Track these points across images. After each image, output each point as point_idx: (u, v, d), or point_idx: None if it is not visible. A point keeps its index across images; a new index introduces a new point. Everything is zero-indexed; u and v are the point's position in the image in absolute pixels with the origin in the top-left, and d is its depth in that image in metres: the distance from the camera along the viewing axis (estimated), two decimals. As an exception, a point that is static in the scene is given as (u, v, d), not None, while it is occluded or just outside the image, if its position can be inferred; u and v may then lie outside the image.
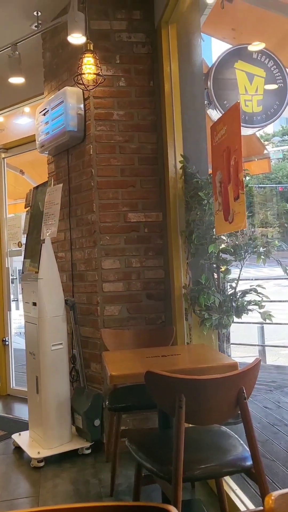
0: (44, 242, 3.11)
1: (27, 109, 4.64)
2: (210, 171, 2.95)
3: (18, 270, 4.57)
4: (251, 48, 3.48)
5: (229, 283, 2.96)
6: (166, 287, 3.18)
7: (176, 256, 3.06)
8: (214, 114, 3.69)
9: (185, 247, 3.03)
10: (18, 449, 3.22)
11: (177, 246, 3.07)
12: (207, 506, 2.38)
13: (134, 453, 1.89)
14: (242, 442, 1.89)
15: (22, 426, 3.59)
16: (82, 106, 3.24)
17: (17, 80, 3.50)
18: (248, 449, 1.79)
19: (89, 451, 3.06)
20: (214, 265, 2.90)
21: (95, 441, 3.07)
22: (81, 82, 2.80)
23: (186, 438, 1.70)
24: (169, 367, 2.01)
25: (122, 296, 3.16)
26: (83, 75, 2.74)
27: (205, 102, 3.55)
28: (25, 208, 3.63)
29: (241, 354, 5.73)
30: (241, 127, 2.22)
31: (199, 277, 2.91)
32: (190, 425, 1.94)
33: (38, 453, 2.95)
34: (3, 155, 4.73)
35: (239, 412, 1.80)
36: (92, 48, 2.84)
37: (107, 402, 2.61)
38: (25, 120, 4.91)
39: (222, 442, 1.96)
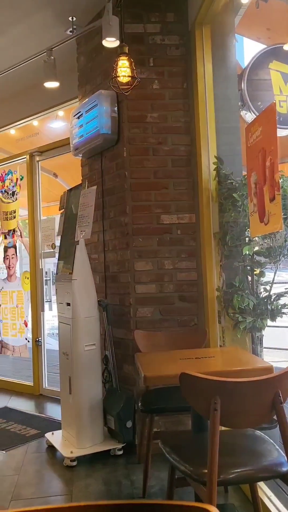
0: (78, 244, 3.15)
1: (61, 112, 4.71)
2: (244, 172, 2.93)
3: (52, 271, 4.63)
4: (286, 47, 3.44)
5: (263, 286, 2.93)
6: (199, 289, 3.17)
7: (209, 258, 3.04)
8: (248, 116, 3.66)
9: (219, 249, 3.01)
10: (51, 448, 3.26)
11: (210, 248, 3.05)
12: (240, 511, 2.35)
13: (168, 454, 1.89)
14: (277, 447, 1.86)
15: (54, 425, 3.63)
16: (116, 108, 3.27)
17: (52, 84, 3.57)
18: (284, 454, 1.76)
19: (121, 452, 3.07)
20: (248, 268, 2.86)
21: (127, 442, 3.08)
22: (116, 85, 2.82)
23: (220, 442, 1.69)
24: (203, 369, 2.00)
25: (154, 298, 3.17)
26: (118, 78, 2.76)
27: (239, 103, 3.53)
28: (59, 210, 3.68)
29: (274, 359, 5.64)
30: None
31: (233, 280, 2.88)
32: (224, 429, 1.92)
33: (71, 452, 2.98)
34: (37, 158, 4.82)
35: (275, 416, 1.77)
36: (127, 51, 2.86)
37: (139, 404, 2.62)
38: (59, 124, 4.99)
39: (257, 446, 1.93)
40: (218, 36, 3.18)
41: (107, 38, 2.95)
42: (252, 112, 3.59)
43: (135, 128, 3.21)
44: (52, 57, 3.49)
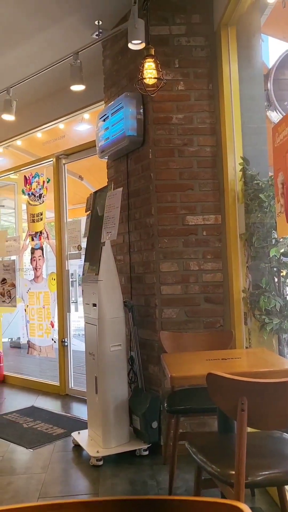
0: (104, 245, 3.18)
1: (86, 115, 4.76)
2: (270, 173, 2.91)
3: (78, 273, 4.68)
4: (313, 46, 3.39)
5: (290, 287, 2.90)
6: (224, 291, 3.15)
7: (236, 259, 3.03)
8: (274, 116, 3.62)
9: (245, 250, 2.99)
10: (77, 447, 3.29)
11: (236, 249, 3.03)
12: (267, 514, 2.33)
13: (194, 455, 1.89)
14: (306, 450, 1.83)
15: (80, 425, 3.67)
16: (141, 110, 3.29)
17: (78, 87, 3.61)
18: (313, 457, 1.74)
19: (146, 452, 3.08)
20: (275, 269, 2.84)
21: (153, 443, 3.09)
22: (142, 87, 2.84)
23: (247, 443, 1.68)
24: (230, 370, 1.98)
25: (180, 299, 3.17)
26: (144, 80, 2.78)
27: (265, 103, 3.50)
28: (85, 212, 3.72)
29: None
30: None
31: (259, 281, 2.86)
32: (251, 430, 1.91)
33: (97, 452, 3.01)
34: (63, 161, 4.88)
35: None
36: (153, 53, 2.87)
37: (165, 404, 2.62)
38: (85, 127, 5.04)
39: (284, 449, 1.91)
40: (244, 36, 3.17)
41: (133, 41, 2.97)
42: (278, 112, 3.55)
43: (161, 129, 3.22)
44: (79, 61, 3.53)
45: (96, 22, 3.56)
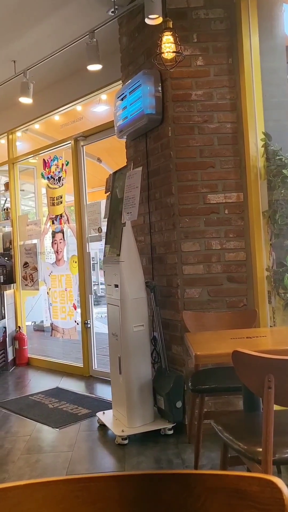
0: (124, 226, 3.16)
1: (104, 96, 4.71)
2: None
3: (98, 256, 4.68)
4: None
5: (315, 265, 2.84)
6: (248, 270, 3.11)
7: (258, 238, 2.98)
8: (297, 89, 3.52)
9: (268, 228, 2.94)
10: (102, 427, 3.33)
11: (259, 227, 2.98)
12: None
13: (220, 433, 1.88)
14: None
15: (105, 405, 3.71)
16: (159, 88, 3.22)
17: (95, 67, 3.56)
18: None
19: (171, 431, 3.10)
20: (299, 246, 2.78)
21: (177, 422, 3.10)
22: (161, 62, 2.77)
23: (274, 421, 1.66)
24: (256, 348, 1.96)
25: (202, 278, 3.14)
26: (162, 54, 2.72)
27: (287, 76, 3.39)
28: (105, 193, 3.70)
29: None
30: None
31: (283, 259, 2.82)
32: (277, 408, 1.89)
33: (122, 431, 3.04)
34: (82, 143, 4.85)
35: None
36: (171, 26, 2.80)
37: (189, 384, 2.62)
38: (102, 108, 4.99)
39: (312, 426, 1.89)
40: (265, 6, 3.07)
41: (150, 16, 2.90)
42: (301, 85, 3.44)
43: (180, 107, 3.16)
44: (95, 39, 3.48)
45: (112, -1, 3.48)
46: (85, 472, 2.70)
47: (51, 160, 5.12)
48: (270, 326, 2.92)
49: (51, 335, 5.35)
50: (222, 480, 0.81)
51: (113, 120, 3.81)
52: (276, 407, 1.71)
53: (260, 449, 1.66)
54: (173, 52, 2.72)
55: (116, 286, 3.18)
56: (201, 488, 0.80)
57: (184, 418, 3.12)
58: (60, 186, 5.03)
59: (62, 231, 5.08)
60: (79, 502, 0.82)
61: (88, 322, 4.81)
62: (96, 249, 4.94)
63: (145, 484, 0.84)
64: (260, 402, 2.06)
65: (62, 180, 4.99)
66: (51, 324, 5.26)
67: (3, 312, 5.26)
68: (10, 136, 5.77)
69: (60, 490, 0.83)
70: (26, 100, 4.16)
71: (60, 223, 5.07)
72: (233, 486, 0.78)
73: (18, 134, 5.78)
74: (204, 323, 2.89)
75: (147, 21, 2.95)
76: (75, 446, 3.05)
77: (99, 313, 6.43)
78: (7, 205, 5.96)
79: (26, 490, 0.82)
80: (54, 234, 5.15)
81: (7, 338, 5.28)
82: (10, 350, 5.34)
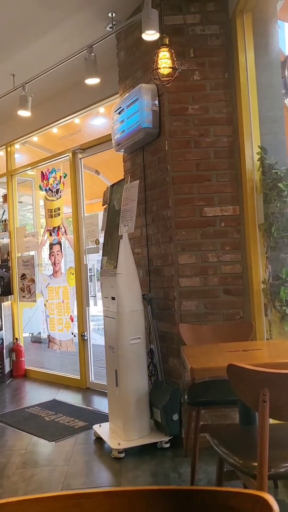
0: (121, 238, 3.17)
1: (101, 109, 4.75)
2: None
3: (96, 267, 4.69)
4: None
5: (311, 278, 2.85)
6: (244, 282, 3.12)
7: (255, 250, 2.99)
8: (292, 103, 3.56)
9: (264, 241, 2.96)
10: (99, 440, 3.31)
11: (255, 240, 3.00)
12: (291, 506, 2.31)
13: (216, 447, 1.87)
14: None
15: (101, 417, 3.69)
16: (156, 102, 3.26)
17: (93, 81, 3.60)
18: None
19: (167, 445, 3.08)
20: (295, 259, 2.80)
21: (173, 435, 3.08)
22: (157, 77, 2.81)
23: (269, 435, 1.66)
24: (251, 361, 1.96)
25: (199, 291, 3.15)
26: (159, 70, 2.75)
27: (283, 91, 3.44)
28: (102, 206, 3.72)
29: None
30: None
31: (279, 272, 2.83)
32: (273, 422, 1.88)
33: (119, 444, 3.02)
34: (80, 156, 4.88)
35: None
36: (167, 42, 2.84)
37: (186, 397, 2.61)
38: (100, 121, 5.03)
39: (308, 440, 1.88)
40: (260, 23, 3.12)
41: (147, 31, 2.94)
42: (296, 100, 3.49)
43: (176, 120, 3.19)
44: (93, 54, 3.52)
45: (110, 14, 3.54)
46: (81, 486, 2.68)
47: (49, 172, 5.15)
48: (267, 339, 2.92)
49: (48, 347, 5.33)
50: (215, 497, 0.81)
51: (110, 133, 3.84)
52: (272, 421, 1.71)
53: (256, 464, 1.66)
54: (170, 67, 2.76)
55: (113, 298, 3.18)
56: (193, 504, 0.80)
57: (181, 431, 3.10)
58: (58, 198, 5.05)
59: (59, 243, 5.09)
60: (71, 519, 0.82)
61: (85, 334, 4.80)
62: (94, 260, 4.94)
63: (137, 500, 0.84)
64: (256, 415, 2.05)
65: (60, 192, 5.01)
66: (48, 336, 5.25)
67: (0, 323, 5.25)
68: (9, 148, 5.81)
69: (53, 507, 0.83)
70: (24, 113, 4.19)
71: (58, 235, 5.08)
72: (225, 502, 0.78)
73: (17, 146, 5.82)
74: (201, 335, 2.89)
75: (144, 37, 3.00)
76: (71, 460, 3.03)
77: (96, 324, 6.42)
78: (5, 216, 5.97)
79: (19, 506, 0.82)
80: (51, 246, 5.16)
81: (4, 350, 5.26)
82: (7, 361, 5.32)
